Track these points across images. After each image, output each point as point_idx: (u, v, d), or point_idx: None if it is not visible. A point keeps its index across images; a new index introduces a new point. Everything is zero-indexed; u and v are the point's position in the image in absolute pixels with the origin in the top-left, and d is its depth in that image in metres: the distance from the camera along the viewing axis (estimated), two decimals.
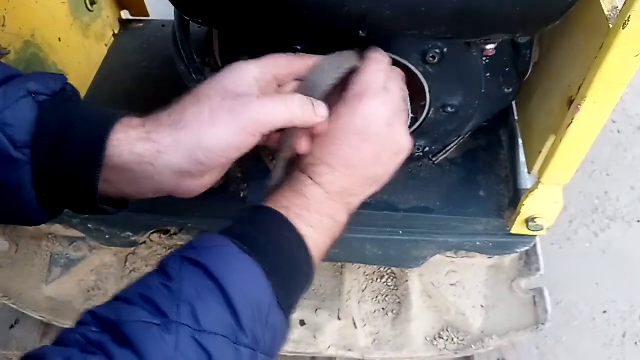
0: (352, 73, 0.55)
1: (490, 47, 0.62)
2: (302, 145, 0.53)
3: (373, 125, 0.52)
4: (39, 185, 0.43)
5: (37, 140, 0.42)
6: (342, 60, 0.55)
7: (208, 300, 0.39)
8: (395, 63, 0.62)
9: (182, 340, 0.37)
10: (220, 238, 0.44)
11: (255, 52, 0.65)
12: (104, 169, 0.44)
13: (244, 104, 0.47)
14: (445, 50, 0.62)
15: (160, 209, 0.87)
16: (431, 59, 0.62)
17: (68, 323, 0.99)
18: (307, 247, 0.48)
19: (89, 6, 0.99)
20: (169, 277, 0.40)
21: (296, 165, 0.54)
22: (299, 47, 0.61)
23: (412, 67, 0.63)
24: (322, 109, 0.51)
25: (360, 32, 0.59)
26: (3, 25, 0.76)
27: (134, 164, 0.45)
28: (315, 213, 0.50)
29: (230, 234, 0.45)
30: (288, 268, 0.46)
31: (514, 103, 0.87)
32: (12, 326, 1.07)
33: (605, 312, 1.22)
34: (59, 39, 0.90)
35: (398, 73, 0.58)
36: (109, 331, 0.36)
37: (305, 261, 0.48)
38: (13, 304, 0.99)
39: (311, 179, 0.51)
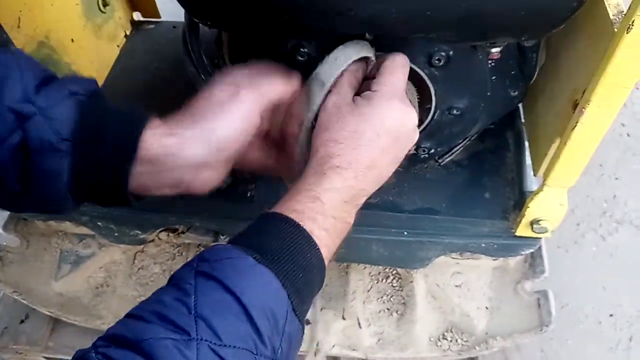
0: (364, 64, 0.56)
1: (495, 50, 0.63)
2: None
3: (403, 128, 0.54)
4: (74, 174, 0.47)
5: (78, 134, 0.46)
6: (353, 52, 0.56)
7: (226, 314, 0.39)
8: None
9: (203, 356, 0.37)
10: (233, 250, 0.44)
11: (263, 53, 0.67)
12: (134, 161, 0.49)
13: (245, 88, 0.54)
14: (451, 53, 0.62)
15: (168, 208, 0.89)
16: (437, 61, 0.63)
17: (77, 319, 1.01)
18: (319, 252, 0.48)
19: (101, 8, 1.01)
20: (184, 292, 0.40)
21: (314, 160, 0.52)
22: (305, 50, 0.62)
23: (418, 70, 0.64)
24: None
25: (367, 35, 0.61)
26: (18, 27, 0.78)
27: (161, 155, 0.50)
28: (330, 217, 0.50)
29: (243, 244, 0.45)
30: (302, 275, 0.46)
31: (520, 105, 0.87)
32: (22, 321, 1.09)
33: (611, 315, 1.22)
34: (72, 40, 0.92)
35: None
36: (130, 349, 0.36)
37: (317, 266, 0.48)
38: (23, 299, 1.01)
39: (330, 183, 0.51)
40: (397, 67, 0.56)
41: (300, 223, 0.47)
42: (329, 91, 0.55)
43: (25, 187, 0.46)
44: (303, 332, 0.46)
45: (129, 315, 0.40)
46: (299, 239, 0.47)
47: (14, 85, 0.44)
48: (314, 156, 0.53)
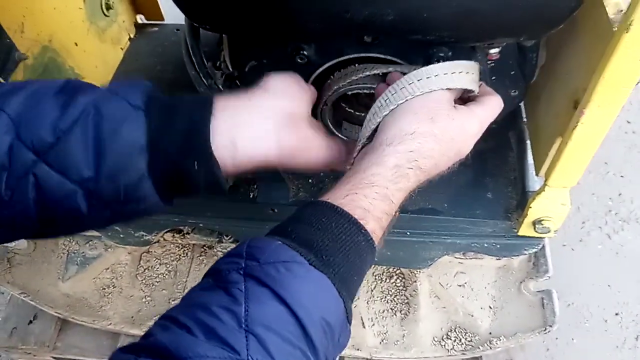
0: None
1: (494, 51, 0.63)
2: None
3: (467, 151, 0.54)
4: (151, 145, 0.44)
5: (150, 105, 0.45)
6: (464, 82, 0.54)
7: (280, 331, 0.36)
8: (399, 66, 0.63)
9: None
10: (286, 250, 0.40)
11: (263, 55, 0.67)
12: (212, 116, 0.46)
13: None
14: (449, 54, 0.62)
15: (172, 209, 0.89)
16: (435, 62, 0.62)
17: (84, 319, 1.02)
18: (375, 251, 0.45)
19: (105, 11, 1.02)
20: (233, 300, 0.37)
21: (398, 150, 0.49)
22: (304, 52, 0.63)
23: None
24: None
25: (365, 36, 0.61)
26: (22, 31, 0.79)
27: (235, 107, 0.49)
28: (391, 215, 0.47)
29: (295, 239, 0.41)
30: (357, 278, 0.43)
31: (522, 105, 0.87)
32: (30, 322, 1.10)
33: (617, 314, 1.22)
34: (76, 44, 0.93)
35: None
36: None
37: (370, 261, 0.45)
38: (31, 300, 1.02)
39: (407, 184, 0.48)
40: (494, 100, 0.56)
41: (363, 224, 0.43)
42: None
43: (97, 170, 0.43)
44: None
45: (172, 320, 0.37)
46: (359, 241, 0.43)
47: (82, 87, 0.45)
48: (397, 144, 0.48)
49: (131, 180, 0.44)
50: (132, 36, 1.12)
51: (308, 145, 0.52)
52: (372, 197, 0.45)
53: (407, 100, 0.51)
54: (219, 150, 0.46)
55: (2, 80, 0.75)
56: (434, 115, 0.50)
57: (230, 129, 0.47)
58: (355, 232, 0.43)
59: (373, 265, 0.99)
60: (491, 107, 0.55)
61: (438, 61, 0.63)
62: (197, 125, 0.45)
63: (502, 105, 0.57)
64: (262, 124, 0.49)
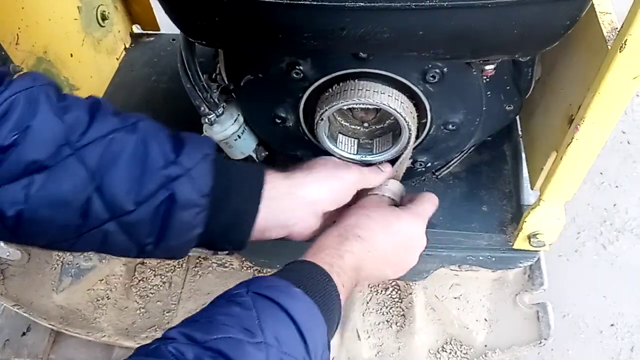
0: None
1: (489, 67, 0.63)
2: None
3: (418, 244, 0.64)
4: (208, 225, 0.53)
5: (215, 190, 0.52)
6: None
7: (284, 329, 0.42)
8: (395, 82, 0.64)
9: (272, 357, 0.40)
10: (281, 280, 0.48)
11: (259, 70, 0.67)
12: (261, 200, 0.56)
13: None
14: (445, 70, 0.62)
15: None
16: (431, 78, 0.63)
17: (77, 331, 1.01)
18: (339, 296, 0.52)
19: (100, 22, 1.01)
20: (245, 307, 0.43)
21: (341, 225, 0.59)
22: (300, 67, 0.63)
23: (413, 86, 0.64)
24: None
25: (361, 53, 0.61)
26: (17, 43, 0.79)
27: (280, 194, 0.58)
28: (346, 275, 0.54)
29: (286, 279, 0.48)
30: (333, 317, 0.50)
31: (518, 118, 0.87)
32: (24, 333, 1.10)
33: (612, 325, 1.22)
34: (71, 55, 0.93)
35: None
36: (201, 347, 0.39)
37: (338, 307, 0.52)
38: (25, 312, 1.01)
39: (350, 246, 0.56)
40: (431, 201, 0.68)
41: (330, 274, 0.52)
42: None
43: (157, 240, 0.51)
44: None
45: (194, 320, 0.42)
46: (329, 287, 0.51)
47: (154, 150, 0.50)
48: (342, 222, 0.60)
49: (179, 250, 0.54)
50: (127, 46, 1.12)
51: (306, 235, 0.63)
52: (331, 256, 0.54)
53: None
54: (253, 234, 0.57)
55: None
56: (366, 203, 0.65)
57: (266, 225, 0.57)
58: (326, 281, 0.51)
59: None
60: (426, 200, 0.68)
61: (433, 77, 0.63)
62: (243, 221, 0.56)
63: (436, 201, 0.69)
64: (292, 219, 0.60)
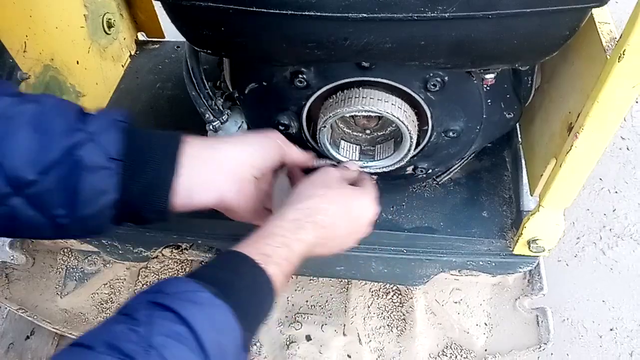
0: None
1: (489, 76, 0.64)
2: None
3: (371, 218, 0.63)
4: (122, 191, 0.51)
5: (126, 154, 0.51)
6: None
7: (178, 345, 0.39)
8: (397, 90, 0.65)
9: None
10: (191, 283, 0.45)
11: (263, 78, 0.68)
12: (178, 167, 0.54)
13: None
14: (446, 78, 0.64)
15: (171, 226, 0.90)
16: (432, 86, 0.64)
17: (81, 335, 1.02)
18: (275, 294, 0.51)
19: (106, 29, 1.03)
20: (137, 322, 0.40)
21: (297, 208, 0.57)
22: (304, 76, 0.64)
23: (414, 94, 0.65)
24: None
25: (363, 62, 0.62)
26: (24, 51, 0.80)
27: (200, 159, 0.56)
28: (292, 264, 0.54)
29: (203, 279, 0.46)
30: (257, 310, 0.49)
31: (518, 125, 0.88)
32: (27, 337, 1.10)
33: (612, 329, 1.23)
34: (77, 62, 0.94)
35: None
36: None
37: (270, 301, 0.51)
38: (29, 316, 1.02)
39: (306, 235, 0.55)
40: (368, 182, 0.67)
41: (264, 268, 0.50)
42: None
43: (70, 211, 0.49)
44: None
45: (77, 344, 0.39)
46: (260, 282, 0.50)
47: (56, 119, 0.48)
48: (297, 204, 0.58)
49: (96, 222, 0.51)
50: (132, 53, 1.14)
51: (243, 207, 0.60)
52: (273, 245, 0.52)
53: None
54: (175, 199, 0.54)
55: None
56: (329, 184, 0.62)
57: (189, 188, 0.55)
58: (257, 274, 0.49)
59: (370, 282, 1.00)
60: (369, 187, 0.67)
61: (434, 85, 0.64)
62: (161, 184, 0.53)
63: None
64: (215, 181, 0.57)
